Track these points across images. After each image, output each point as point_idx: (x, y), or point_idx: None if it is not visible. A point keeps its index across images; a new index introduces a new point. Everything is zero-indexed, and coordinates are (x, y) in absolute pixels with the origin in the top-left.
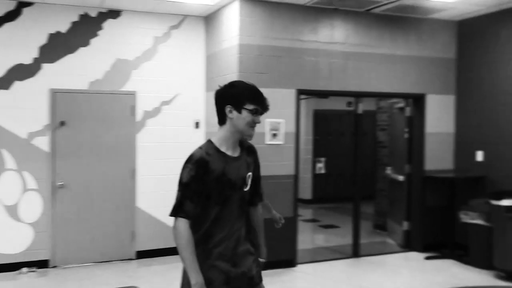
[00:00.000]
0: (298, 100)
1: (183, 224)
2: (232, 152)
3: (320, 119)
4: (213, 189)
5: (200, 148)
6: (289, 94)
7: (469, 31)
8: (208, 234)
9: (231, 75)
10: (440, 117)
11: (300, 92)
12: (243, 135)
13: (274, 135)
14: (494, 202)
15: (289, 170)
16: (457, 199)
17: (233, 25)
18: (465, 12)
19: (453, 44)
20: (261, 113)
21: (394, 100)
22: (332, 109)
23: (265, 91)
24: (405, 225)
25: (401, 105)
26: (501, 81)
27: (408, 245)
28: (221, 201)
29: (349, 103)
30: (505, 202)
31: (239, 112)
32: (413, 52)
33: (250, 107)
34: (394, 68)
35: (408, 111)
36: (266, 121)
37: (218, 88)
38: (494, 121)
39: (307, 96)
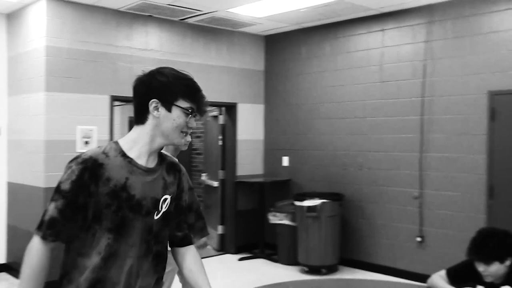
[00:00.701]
0: (112, 107)
1: (44, 247)
2: (145, 161)
3: None
4: (106, 207)
5: (99, 147)
6: (102, 100)
7: (275, 46)
8: (95, 280)
9: (38, 78)
10: (250, 125)
11: (114, 98)
12: (170, 143)
13: (86, 142)
14: (298, 203)
15: None
16: (266, 202)
17: (39, 25)
18: (271, 28)
19: (262, 57)
20: (196, 116)
21: (209, 108)
22: None
23: (76, 97)
24: (220, 229)
25: (215, 113)
26: (302, 93)
27: (223, 248)
28: (115, 226)
29: None
30: (307, 203)
31: (169, 110)
32: (226, 63)
33: (185, 105)
34: (208, 78)
35: (221, 119)
36: (78, 128)
37: (140, 74)
38: (297, 129)
39: (122, 103)
